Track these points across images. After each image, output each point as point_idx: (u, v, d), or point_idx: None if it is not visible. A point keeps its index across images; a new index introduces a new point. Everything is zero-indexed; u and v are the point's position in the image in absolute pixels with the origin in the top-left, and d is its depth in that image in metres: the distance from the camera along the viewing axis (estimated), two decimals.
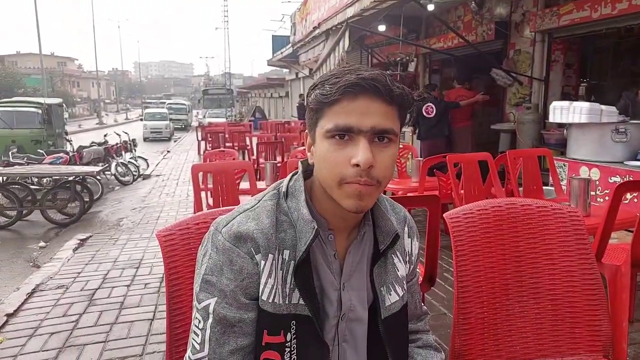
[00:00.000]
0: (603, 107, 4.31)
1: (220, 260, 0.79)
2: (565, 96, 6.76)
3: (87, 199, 6.13)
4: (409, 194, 3.98)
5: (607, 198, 4.04)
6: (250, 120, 17.15)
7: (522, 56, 7.08)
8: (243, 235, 0.79)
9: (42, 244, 5.06)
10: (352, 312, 0.87)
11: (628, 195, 3.87)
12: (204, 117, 23.73)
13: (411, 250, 0.97)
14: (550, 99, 6.79)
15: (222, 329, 0.79)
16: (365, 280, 0.89)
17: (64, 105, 12.28)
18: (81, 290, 3.35)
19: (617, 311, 2.10)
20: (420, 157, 5.90)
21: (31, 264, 4.39)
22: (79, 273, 3.73)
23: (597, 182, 4.25)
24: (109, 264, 3.95)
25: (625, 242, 2.38)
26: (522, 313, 1.37)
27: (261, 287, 0.79)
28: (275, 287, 0.79)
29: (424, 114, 6.73)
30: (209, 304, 0.79)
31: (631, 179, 3.82)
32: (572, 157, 4.59)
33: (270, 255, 0.79)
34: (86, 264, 3.95)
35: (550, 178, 3.98)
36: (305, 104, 0.84)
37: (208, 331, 0.79)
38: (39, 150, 8.61)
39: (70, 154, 8.12)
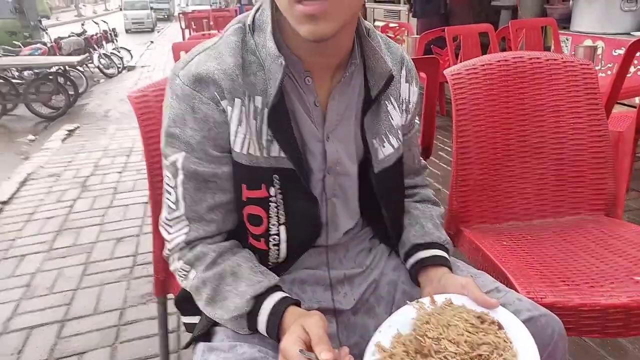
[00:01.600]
0: None
1: (182, 108, 0.68)
2: None
3: (72, 92, 5.93)
4: None
5: (609, 73, 3.88)
6: (236, 7, 16.06)
7: None
8: (203, 78, 0.68)
9: (31, 137, 4.97)
10: (340, 165, 0.77)
11: (632, 69, 3.70)
12: (187, 4, 22.26)
13: (409, 96, 0.84)
14: None
15: (195, 185, 0.71)
16: (354, 130, 0.78)
17: None
18: (73, 177, 3.32)
19: (618, 178, 2.07)
20: (417, 35, 5.57)
21: (22, 156, 4.34)
22: (70, 162, 3.68)
23: (601, 56, 4.04)
24: (99, 152, 3.89)
25: (629, 111, 2.29)
26: (524, 173, 1.31)
27: (232, 137, 0.70)
28: (248, 137, 0.69)
29: None
30: (177, 159, 0.71)
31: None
32: (576, 30, 4.32)
33: (238, 100, 0.68)
34: (76, 153, 3.89)
35: (553, 51, 3.77)
36: None
37: (180, 189, 0.71)
38: (14, 42, 8.11)
39: (49, 44, 7.69)
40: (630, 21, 3.98)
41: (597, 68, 3.98)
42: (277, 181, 0.72)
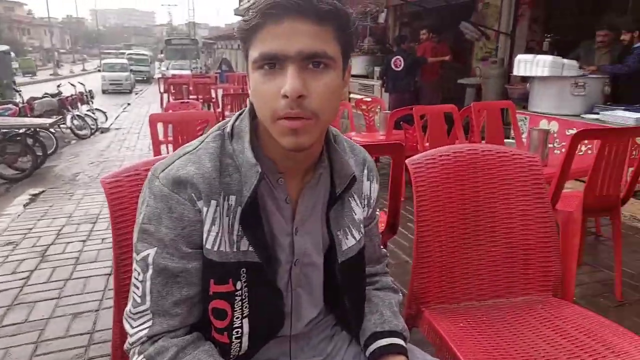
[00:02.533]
0: (565, 60, 4.37)
1: (159, 207, 0.73)
2: (529, 51, 6.79)
3: (40, 153, 5.79)
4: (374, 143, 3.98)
5: (564, 150, 4.17)
6: (216, 73, 16.56)
7: (491, 10, 7.03)
8: (182, 181, 0.73)
9: None
10: (306, 257, 0.84)
11: (582, 148, 4.00)
12: (167, 68, 22.77)
13: (370, 193, 0.93)
14: (516, 54, 6.82)
15: (163, 280, 0.74)
16: (321, 224, 0.85)
17: (11, 53, 11.48)
18: (32, 246, 3.19)
19: (567, 255, 2.20)
20: (389, 110, 5.90)
21: None
22: (30, 229, 3.54)
23: (556, 135, 4.36)
24: (63, 219, 3.77)
25: (578, 191, 2.47)
26: (478, 256, 1.40)
27: (205, 235, 0.75)
28: (220, 234, 0.75)
29: (392, 66, 6.66)
30: (148, 254, 0.75)
31: None
32: (533, 111, 4.67)
33: (214, 202, 0.74)
34: (38, 220, 3.76)
35: (512, 131, 4.05)
36: None
37: (148, 283, 0.75)
38: None
39: (20, 105, 7.64)
40: (580, 104, 4.35)
41: (551, 146, 4.28)
42: (244, 274, 0.76)
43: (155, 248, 0.74)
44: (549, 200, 1.46)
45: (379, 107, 5.27)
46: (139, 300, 0.76)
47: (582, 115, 4.25)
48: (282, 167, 0.80)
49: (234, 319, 0.77)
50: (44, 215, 3.89)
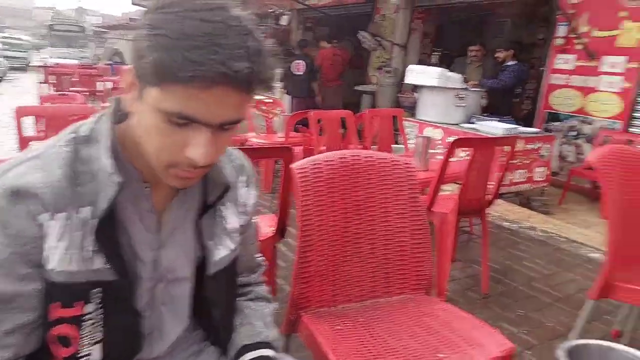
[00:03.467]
0: (450, 73, 4.76)
1: None
2: (421, 62, 7.30)
3: None
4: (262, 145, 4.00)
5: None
6: (106, 64, 15.39)
7: (387, 21, 7.43)
8: (21, 191, 0.63)
9: None
10: (173, 272, 0.79)
11: (462, 154, 4.39)
12: (51, 57, 20.67)
13: (247, 200, 0.89)
14: (408, 65, 7.31)
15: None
16: (192, 234, 0.81)
17: None
18: None
19: (442, 253, 2.40)
20: (289, 113, 5.95)
21: None
22: None
23: (440, 142, 4.73)
24: None
25: (454, 193, 2.70)
26: (359, 258, 1.46)
27: (46, 252, 0.65)
28: (69, 252, 0.66)
29: (294, 70, 6.74)
30: None
31: None
32: (421, 119, 5.02)
33: (62, 214, 0.65)
34: None
35: (400, 136, 4.31)
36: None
37: None
38: None
39: None
40: (461, 115, 4.76)
41: (434, 151, 4.63)
42: (98, 295, 0.69)
43: None
44: (424, 204, 1.56)
45: (278, 109, 5.29)
46: None
47: (461, 125, 4.65)
48: (149, 176, 0.73)
49: (82, 347, 0.70)
50: None
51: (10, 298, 0.65)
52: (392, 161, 1.57)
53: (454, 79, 4.75)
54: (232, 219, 0.86)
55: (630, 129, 4.47)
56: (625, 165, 1.68)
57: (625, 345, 1.99)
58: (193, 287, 0.83)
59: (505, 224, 3.71)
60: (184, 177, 0.68)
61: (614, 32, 4.54)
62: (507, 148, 2.74)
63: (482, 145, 2.37)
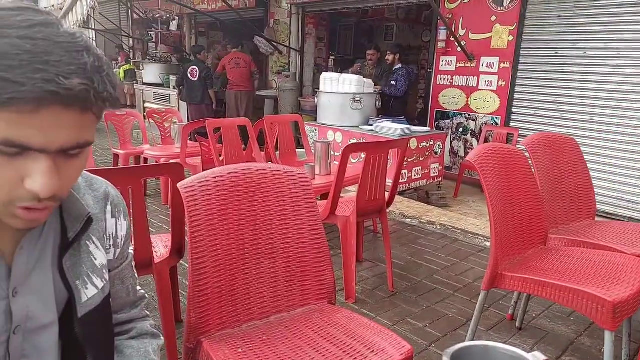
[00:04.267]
0: (366, 80, 4.94)
1: None
2: (317, 67, 7.45)
3: None
4: (149, 163, 3.81)
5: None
6: None
7: (281, 26, 7.46)
8: None
9: None
10: (32, 321, 0.70)
11: (363, 155, 4.53)
12: None
13: (116, 232, 0.82)
14: (306, 69, 7.41)
15: None
16: (52, 276, 0.72)
17: None
18: None
19: (347, 255, 2.44)
20: (189, 121, 5.71)
21: None
22: None
23: (341, 144, 4.84)
24: None
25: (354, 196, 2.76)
26: (258, 274, 1.41)
27: None
28: None
29: (189, 76, 6.50)
30: None
31: (364, 140, 4.47)
32: (321, 123, 5.10)
33: None
34: None
35: (302, 142, 4.34)
36: None
37: None
38: None
39: None
40: (359, 117, 4.91)
41: (337, 154, 4.73)
42: None
43: None
44: (319, 212, 1.56)
45: (174, 118, 5.05)
46: None
47: (360, 127, 4.80)
48: None
49: None
50: None
51: None
52: (286, 172, 1.54)
53: (368, 84, 4.92)
54: (99, 255, 0.78)
55: (511, 124, 4.93)
56: (501, 161, 1.82)
57: (518, 327, 2.19)
58: (61, 333, 0.74)
59: (407, 220, 3.89)
60: (30, 217, 0.59)
61: (487, 35, 4.98)
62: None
63: (375, 149, 2.45)
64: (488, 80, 5.05)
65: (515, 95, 4.87)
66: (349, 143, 4.72)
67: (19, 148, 0.54)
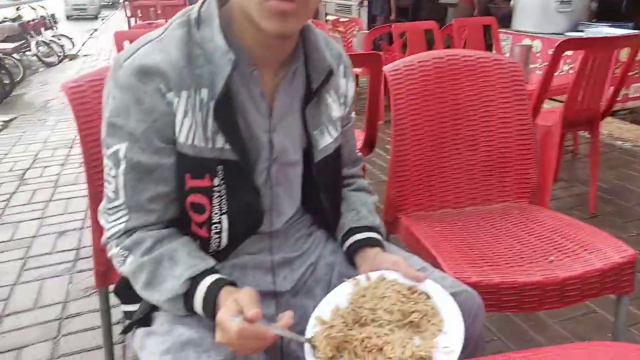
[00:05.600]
0: None
1: (126, 99, 0.69)
2: None
3: (7, 81, 5.63)
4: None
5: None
6: None
7: None
8: (149, 69, 0.68)
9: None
10: (285, 155, 0.81)
11: (565, 67, 3.96)
12: None
13: (346, 91, 0.89)
14: None
15: (137, 175, 0.71)
16: (298, 122, 0.82)
17: None
18: (9, 170, 3.17)
19: (544, 168, 2.22)
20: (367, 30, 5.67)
21: None
22: (6, 154, 3.51)
23: (538, 54, 4.28)
24: (38, 144, 3.72)
25: (556, 107, 2.45)
26: (456, 164, 1.39)
27: (177, 128, 0.70)
28: (193, 128, 0.71)
29: None
30: (119, 149, 0.70)
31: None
32: (516, 29, 4.54)
33: (184, 92, 0.69)
34: (13, 145, 3.72)
35: (494, 50, 3.95)
36: None
37: (121, 178, 0.71)
38: None
39: None
40: (564, 22, 4.23)
41: (533, 66, 4.22)
42: (221, 172, 0.73)
43: (127, 142, 0.70)
44: (530, 105, 1.42)
45: (357, 28, 5.04)
46: (112, 195, 0.73)
47: (565, 33, 4.14)
48: (256, 58, 0.74)
49: (213, 214, 0.75)
50: (18, 141, 3.84)
51: (150, 169, 0.71)
52: (494, 60, 1.43)
53: None
54: (335, 107, 0.86)
55: None
56: None
57: None
58: (302, 173, 0.85)
59: (618, 142, 3.36)
60: (278, 8, 0.64)
61: None
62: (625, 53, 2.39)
63: (597, 46, 2.08)
64: None
65: None
66: (550, 52, 4.16)
67: None
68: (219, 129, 0.71)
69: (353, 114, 0.96)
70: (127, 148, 0.70)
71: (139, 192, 0.72)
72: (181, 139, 0.71)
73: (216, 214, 0.75)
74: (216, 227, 0.76)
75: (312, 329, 0.69)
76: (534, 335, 1.57)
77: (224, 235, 0.77)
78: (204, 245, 0.78)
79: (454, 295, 0.76)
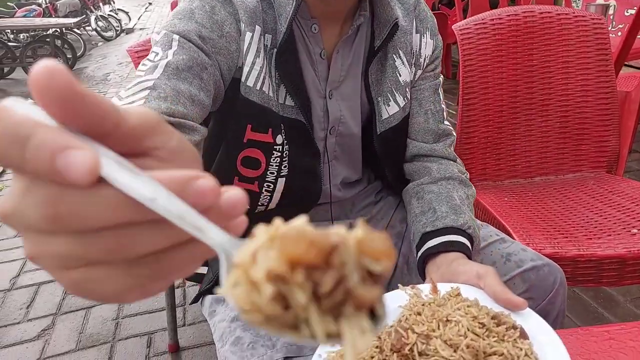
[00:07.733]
0: None
1: (203, 4, 0.62)
2: None
3: (69, 56, 5.85)
4: None
5: (619, 34, 3.79)
6: None
7: None
8: None
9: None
10: (343, 125, 0.73)
11: None
12: None
13: (420, 49, 0.76)
14: None
15: (185, 65, 0.59)
16: (359, 88, 0.74)
17: None
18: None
19: (622, 137, 2.06)
20: None
21: None
22: None
23: (612, 17, 3.93)
24: None
25: (637, 72, 2.25)
26: (528, 131, 1.30)
27: (246, 68, 0.64)
28: (263, 74, 0.65)
29: None
30: (174, 38, 0.60)
31: None
32: None
33: (258, 27, 0.64)
34: None
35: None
36: None
37: (165, 60, 0.58)
38: (8, 3, 7.93)
39: (43, 6, 7.52)
40: None
41: (608, 28, 3.90)
42: (284, 131, 0.68)
43: (186, 32, 0.61)
44: (613, 65, 1.30)
45: None
46: (142, 74, 0.58)
47: None
48: (316, 11, 0.68)
49: (267, 173, 0.70)
50: None
51: (201, 69, 0.60)
52: (576, 16, 1.31)
53: None
54: (404, 71, 0.76)
55: None
56: None
57: None
58: (363, 146, 0.79)
59: None
60: None
61: None
62: None
63: None
64: None
65: None
66: (627, 14, 3.80)
67: None
68: (281, 81, 0.66)
69: (441, 78, 0.83)
70: (181, 39, 0.60)
71: (176, 79, 0.58)
72: (250, 82, 0.65)
73: (272, 173, 0.70)
74: (269, 185, 0.71)
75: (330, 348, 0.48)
76: (602, 312, 1.49)
77: (276, 196, 0.72)
78: (251, 200, 0.72)
79: (534, 268, 0.69)
